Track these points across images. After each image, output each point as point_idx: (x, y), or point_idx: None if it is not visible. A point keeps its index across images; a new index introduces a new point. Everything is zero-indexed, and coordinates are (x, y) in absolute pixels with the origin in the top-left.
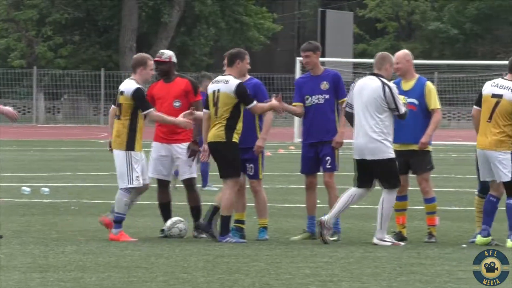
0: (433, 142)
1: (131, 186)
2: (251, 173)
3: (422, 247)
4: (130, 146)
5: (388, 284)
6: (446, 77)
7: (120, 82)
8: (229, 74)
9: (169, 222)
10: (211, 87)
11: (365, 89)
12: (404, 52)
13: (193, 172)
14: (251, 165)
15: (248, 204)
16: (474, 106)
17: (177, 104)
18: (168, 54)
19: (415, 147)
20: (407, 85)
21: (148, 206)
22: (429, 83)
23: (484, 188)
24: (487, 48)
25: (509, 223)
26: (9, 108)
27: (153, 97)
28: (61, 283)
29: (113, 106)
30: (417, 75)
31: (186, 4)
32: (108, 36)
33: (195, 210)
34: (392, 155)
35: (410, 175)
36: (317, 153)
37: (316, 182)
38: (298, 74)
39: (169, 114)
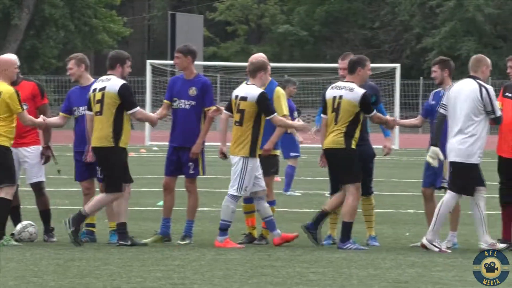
0: None
1: (239, 194)
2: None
3: (273, 249)
4: (253, 152)
5: (239, 286)
6: (295, 79)
7: None
8: (351, 81)
9: (19, 226)
10: (331, 93)
11: (462, 92)
12: (259, 56)
13: (42, 175)
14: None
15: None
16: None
17: (24, 107)
18: None
19: (260, 151)
20: None
21: None
22: (278, 89)
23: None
24: (336, 51)
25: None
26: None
27: None
28: None
29: (225, 111)
30: (269, 79)
31: (35, 7)
32: None
33: (44, 214)
34: (476, 161)
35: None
36: (179, 157)
37: (174, 185)
38: (149, 77)
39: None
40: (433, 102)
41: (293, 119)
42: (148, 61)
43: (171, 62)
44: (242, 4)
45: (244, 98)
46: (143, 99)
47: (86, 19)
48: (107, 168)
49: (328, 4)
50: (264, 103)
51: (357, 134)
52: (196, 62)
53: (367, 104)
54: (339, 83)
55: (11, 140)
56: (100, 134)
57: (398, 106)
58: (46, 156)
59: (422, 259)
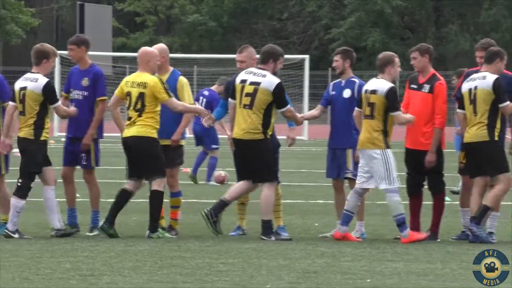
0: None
1: (395, 186)
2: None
3: (182, 240)
4: (387, 143)
5: (149, 278)
6: (205, 70)
7: None
8: (485, 71)
9: None
10: (467, 86)
11: None
12: (160, 47)
13: None
14: None
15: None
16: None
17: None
18: None
19: (168, 142)
20: None
21: None
22: (182, 78)
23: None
24: (245, 42)
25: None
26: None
27: None
28: None
29: (356, 108)
30: (171, 69)
31: None
32: None
33: None
34: None
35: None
36: (74, 148)
37: (72, 175)
38: (57, 68)
39: None
40: (333, 93)
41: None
42: (57, 52)
43: None
44: None
45: (374, 91)
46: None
47: None
48: (258, 161)
49: None
50: (392, 98)
51: (498, 124)
52: (105, 53)
53: (499, 89)
54: (474, 75)
55: (157, 133)
56: (248, 126)
57: (307, 97)
58: None
59: (332, 249)
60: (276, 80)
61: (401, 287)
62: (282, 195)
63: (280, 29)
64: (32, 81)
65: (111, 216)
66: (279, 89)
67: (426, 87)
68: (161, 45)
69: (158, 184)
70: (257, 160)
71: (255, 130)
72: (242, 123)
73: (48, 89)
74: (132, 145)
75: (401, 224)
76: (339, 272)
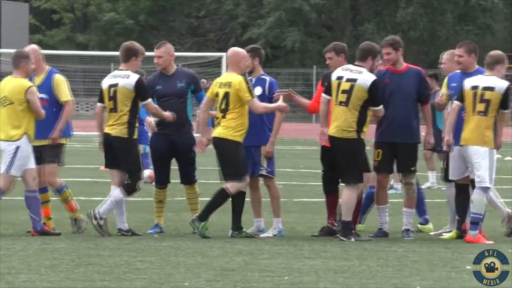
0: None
1: (490, 185)
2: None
3: (99, 238)
4: (496, 144)
5: (66, 276)
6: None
7: None
8: None
9: None
10: None
11: None
12: (30, 48)
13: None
14: None
15: None
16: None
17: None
18: None
19: (46, 142)
20: (38, 80)
21: None
22: (57, 76)
23: (160, 179)
24: (163, 40)
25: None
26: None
27: None
28: None
29: (457, 102)
30: (47, 68)
31: None
32: None
33: None
34: None
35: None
36: None
37: None
38: None
39: None
40: None
41: None
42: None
43: None
44: None
45: (490, 88)
46: None
47: None
48: (351, 160)
49: None
50: (508, 94)
51: None
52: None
53: None
54: None
55: (242, 135)
56: (342, 124)
57: None
58: None
59: (249, 247)
60: (372, 77)
61: (319, 285)
62: (200, 193)
63: (198, 27)
64: (123, 78)
65: (206, 213)
66: (375, 86)
67: None
68: (32, 46)
69: (231, 185)
70: (347, 160)
71: (349, 128)
72: (336, 120)
73: (140, 85)
74: (215, 146)
75: (475, 223)
76: (256, 269)
